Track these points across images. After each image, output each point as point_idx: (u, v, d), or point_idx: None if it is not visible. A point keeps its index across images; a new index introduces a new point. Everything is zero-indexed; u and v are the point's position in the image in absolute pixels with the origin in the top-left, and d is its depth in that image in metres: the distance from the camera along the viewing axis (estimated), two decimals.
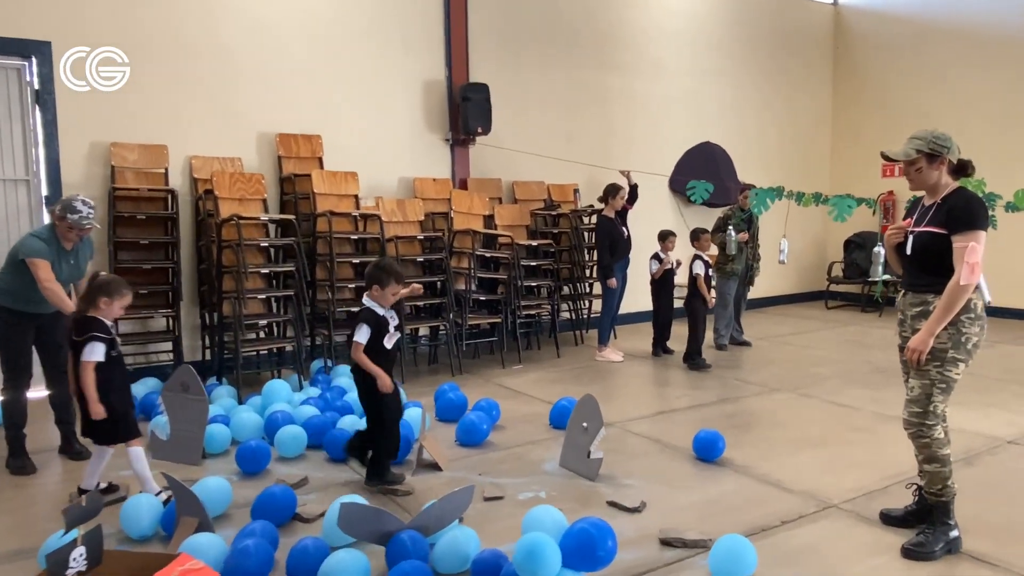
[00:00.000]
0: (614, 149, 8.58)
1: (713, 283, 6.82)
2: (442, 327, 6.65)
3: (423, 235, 6.61)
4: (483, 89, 7.32)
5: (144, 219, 5.76)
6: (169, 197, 5.87)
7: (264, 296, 5.90)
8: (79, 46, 5.68)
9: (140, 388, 5.30)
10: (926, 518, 3.09)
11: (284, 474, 3.97)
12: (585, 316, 7.91)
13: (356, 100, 6.97)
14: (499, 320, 6.76)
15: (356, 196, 6.45)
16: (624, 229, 6.95)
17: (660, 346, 7.11)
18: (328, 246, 5.95)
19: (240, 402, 5.10)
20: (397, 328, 3.77)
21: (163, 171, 5.95)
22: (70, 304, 3.89)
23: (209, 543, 2.84)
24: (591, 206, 7.64)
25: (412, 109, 7.34)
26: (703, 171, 8.43)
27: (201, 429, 4.19)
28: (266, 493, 3.33)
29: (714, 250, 7.15)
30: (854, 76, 10.51)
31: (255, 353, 6.12)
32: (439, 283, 6.47)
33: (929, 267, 2.99)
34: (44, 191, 5.71)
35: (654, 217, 8.31)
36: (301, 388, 5.49)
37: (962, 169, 3.00)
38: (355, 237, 6.31)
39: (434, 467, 4.03)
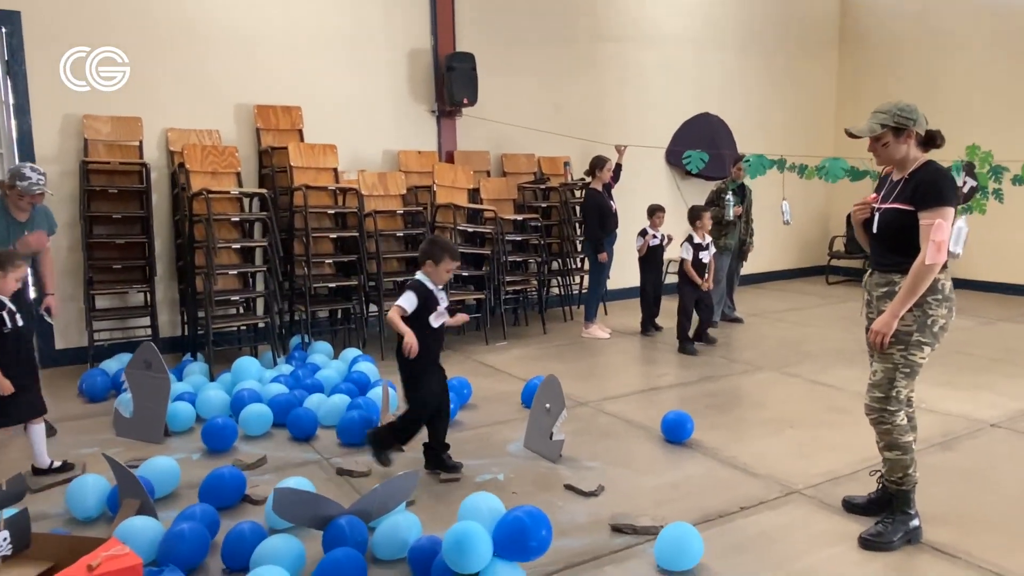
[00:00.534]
0: (608, 120, 8.36)
1: (710, 264, 6.37)
2: None
3: (403, 209, 6.48)
4: (469, 58, 7.13)
5: (117, 193, 5.67)
6: (143, 170, 5.78)
7: (237, 272, 5.81)
8: (50, 15, 5.56)
9: (114, 364, 5.29)
10: (888, 506, 2.97)
11: (244, 453, 3.92)
12: (575, 292, 7.78)
13: (338, 70, 6.80)
14: (483, 296, 6.65)
15: (335, 169, 6.32)
16: (611, 203, 6.77)
17: (650, 323, 6.95)
18: (304, 220, 5.84)
19: (211, 379, 5.05)
20: (448, 309, 3.62)
21: (137, 144, 5.85)
22: None
23: (144, 526, 2.77)
24: (583, 179, 7.46)
25: (396, 79, 7.16)
26: (701, 143, 8.21)
27: (163, 407, 4.15)
28: (214, 474, 3.27)
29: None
30: (861, 45, 10.15)
31: (235, 329, 6.07)
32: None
33: (895, 246, 2.82)
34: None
35: (648, 191, 8.11)
36: (275, 364, 5.43)
37: (931, 140, 2.83)
38: (333, 211, 6.20)
39: (396, 448, 3.95)
